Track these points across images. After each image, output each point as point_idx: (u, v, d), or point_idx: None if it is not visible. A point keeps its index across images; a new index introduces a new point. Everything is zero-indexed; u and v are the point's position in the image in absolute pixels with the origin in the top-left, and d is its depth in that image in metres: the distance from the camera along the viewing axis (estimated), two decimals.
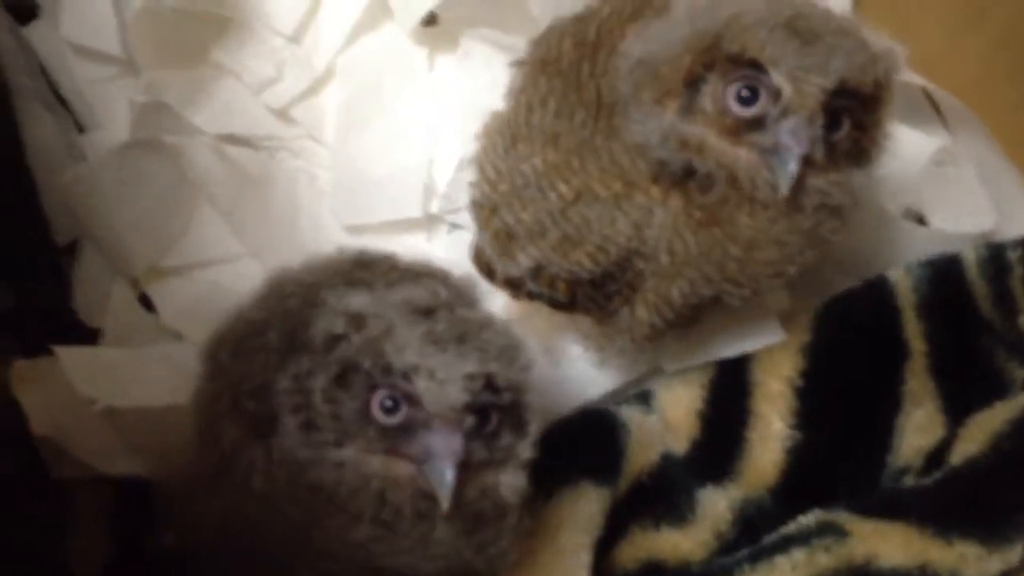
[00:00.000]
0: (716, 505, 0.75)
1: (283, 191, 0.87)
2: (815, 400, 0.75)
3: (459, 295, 0.62)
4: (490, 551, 0.60)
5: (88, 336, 0.81)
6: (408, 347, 0.56)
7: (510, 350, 0.58)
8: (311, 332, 0.58)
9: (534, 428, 0.60)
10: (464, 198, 0.82)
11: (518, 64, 0.72)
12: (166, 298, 0.83)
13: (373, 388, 0.56)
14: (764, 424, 0.75)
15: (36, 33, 0.88)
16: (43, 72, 0.88)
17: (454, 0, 0.86)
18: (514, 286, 0.72)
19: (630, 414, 0.76)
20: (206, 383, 0.62)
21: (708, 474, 0.76)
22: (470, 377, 0.55)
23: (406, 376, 0.55)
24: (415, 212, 0.85)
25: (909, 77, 0.89)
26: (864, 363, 0.76)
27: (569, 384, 0.81)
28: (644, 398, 0.78)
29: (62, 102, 0.89)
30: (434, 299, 0.59)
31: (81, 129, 0.89)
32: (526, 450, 0.59)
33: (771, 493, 0.75)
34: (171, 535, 0.72)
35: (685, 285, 0.66)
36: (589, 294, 0.69)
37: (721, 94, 0.62)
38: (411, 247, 0.85)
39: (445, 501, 0.55)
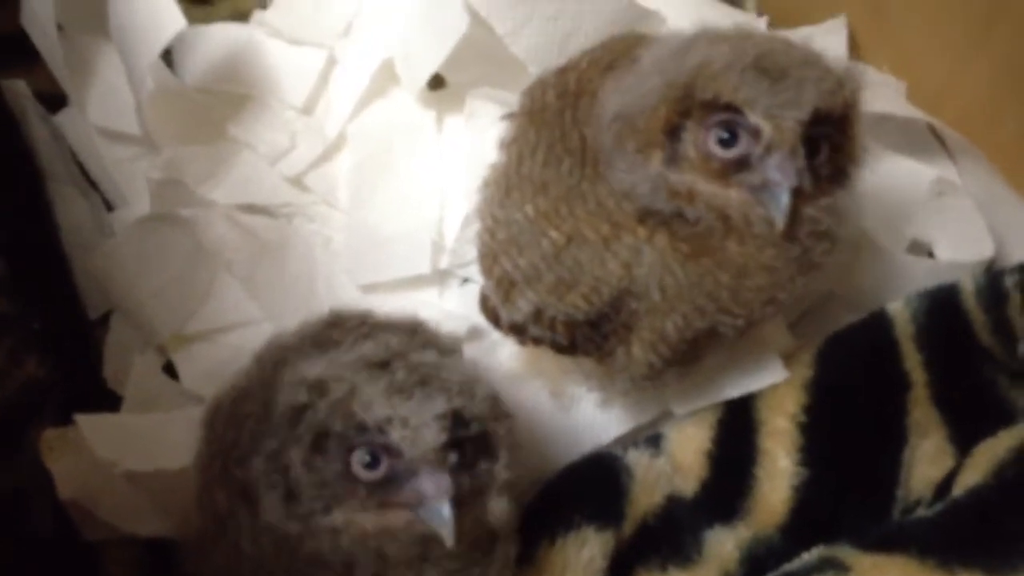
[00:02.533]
0: (723, 545, 0.75)
1: (299, 255, 0.90)
2: (820, 436, 0.75)
3: (424, 342, 0.64)
4: None
5: (118, 404, 0.84)
6: (375, 401, 0.57)
7: (470, 384, 0.60)
8: (275, 406, 0.60)
9: (504, 451, 0.61)
10: (472, 252, 0.85)
11: (509, 116, 0.75)
12: (190, 364, 0.86)
13: (350, 448, 0.58)
14: (771, 462, 0.76)
15: (65, 120, 0.94)
16: (73, 156, 0.93)
17: (456, 62, 0.89)
18: (519, 331, 0.74)
19: (636, 458, 0.77)
20: (202, 448, 0.65)
21: (717, 514, 0.76)
22: (442, 416, 0.57)
23: (380, 429, 0.57)
24: (424, 268, 0.88)
25: (910, 111, 0.90)
26: (866, 396, 0.76)
27: (580, 430, 0.82)
28: (654, 441, 0.78)
29: (92, 183, 0.94)
30: (387, 351, 0.61)
31: (110, 208, 0.93)
32: (503, 472, 0.61)
33: (780, 531, 0.75)
34: None
35: (679, 319, 0.67)
36: (587, 335, 0.70)
37: (702, 139, 0.63)
38: (423, 303, 0.88)
39: (449, 538, 0.57)
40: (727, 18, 0.97)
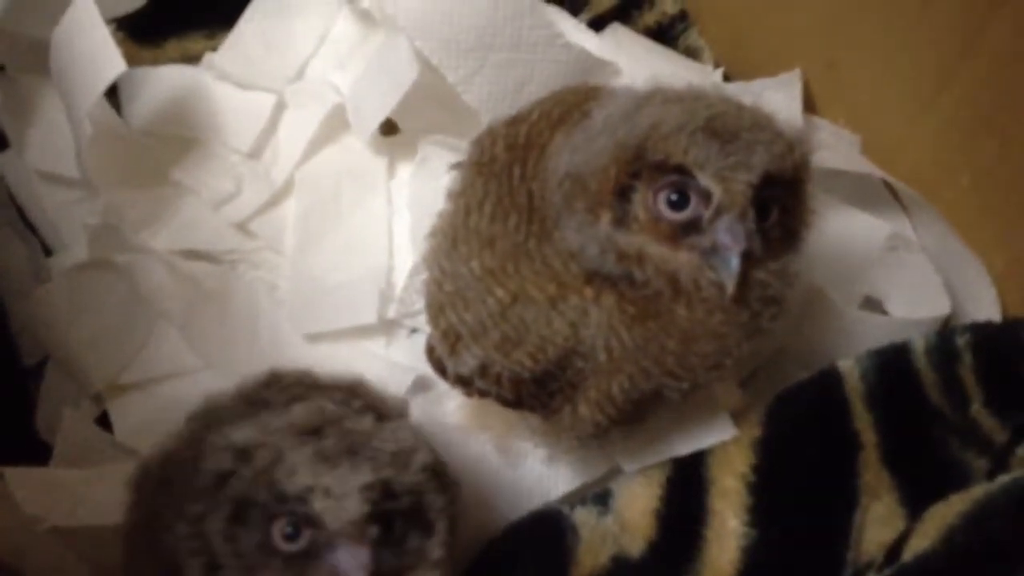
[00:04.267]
0: None
1: (242, 303, 0.88)
2: (768, 496, 0.73)
3: (363, 406, 0.62)
4: None
5: (50, 455, 0.81)
6: (299, 470, 0.55)
7: (404, 454, 0.58)
8: (201, 470, 0.57)
9: (442, 526, 0.59)
10: (420, 302, 0.83)
11: (457, 166, 0.74)
12: (125, 414, 0.84)
13: (272, 518, 0.56)
14: (720, 522, 0.74)
15: (5, 162, 0.92)
16: (12, 199, 0.91)
17: (408, 108, 0.88)
18: (465, 384, 0.72)
19: (583, 517, 0.75)
20: (130, 514, 0.62)
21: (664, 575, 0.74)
22: (366, 487, 0.55)
23: (303, 499, 0.55)
24: (371, 318, 0.86)
25: (864, 165, 0.89)
26: (815, 456, 0.74)
27: (527, 485, 0.80)
28: (602, 498, 0.76)
29: (31, 227, 0.92)
30: (319, 416, 0.59)
31: (49, 252, 0.91)
32: (436, 549, 0.59)
33: None
34: None
35: (624, 381, 0.65)
36: (533, 392, 0.69)
37: (652, 201, 0.63)
38: (370, 353, 0.86)
39: None
40: (682, 70, 0.97)
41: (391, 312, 0.87)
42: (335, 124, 0.92)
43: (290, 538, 0.56)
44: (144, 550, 0.60)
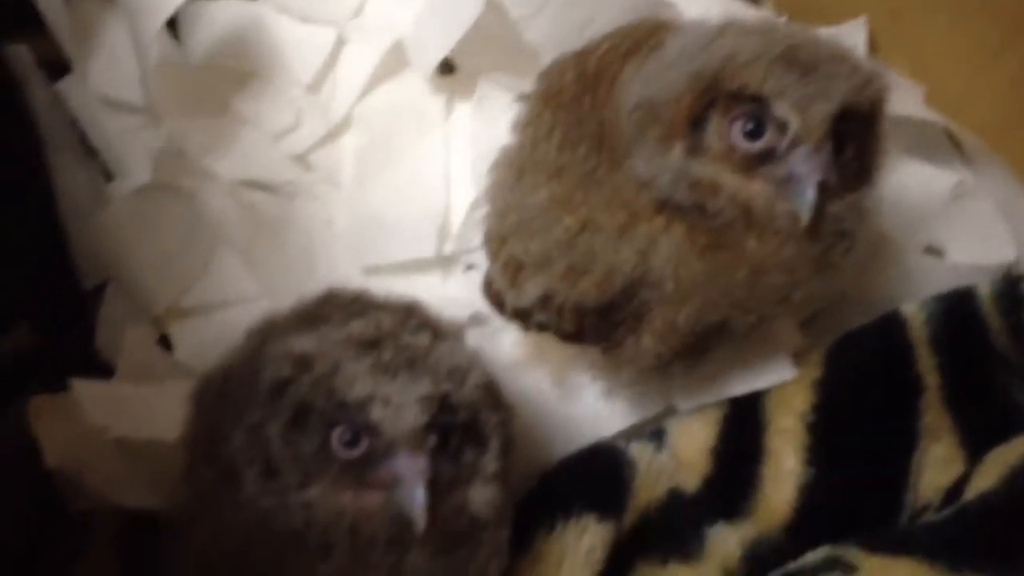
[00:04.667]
0: (726, 542, 0.73)
1: (300, 234, 0.89)
2: (828, 436, 0.73)
3: (419, 324, 0.62)
4: (468, 569, 0.61)
5: (110, 376, 0.82)
6: (358, 379, 0.56)
7: (460, 370, 0.59)
8: (260, 379, 0.58)
9: (495, 442, 0.60)
10: (477, 238, 0.84)
11: (524, 98, 0.73)
12: (184, 337, 0.85)
13: (331, 425, 0.57)
14: (777, 461, 0.73)
15: (68, 87, 0.91)
16: (74, 125, 0.91)
17: (468, 47, 0.88)
18: (523, 317, 0.73)
19: (639, 451, 0.75)
20: (190, 425, 0.64)
21: (720, 511, 0.74)
22: (425, 399, 0.56)
23: (361, 408, 0.56)
24: (429, 252, 0.86)
25: (928, 114, 0.88)
26: (877, 398, 0.74)
27: (582, 421, 0.80)
28: (658, 435, 0.76)
29: (92, 152, 0.92)
30: (377, 330, 0.59)
31: (110, 178, 0.91)
32: (491, 463, 0.60)
33: (786, 532, 0.73)
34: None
35: (691, 311, 0.65)
36: (595, 323, 0.69)
37: (727, 131, 0.62)
38: (426, 288, 0.86)
39: (420, 521, 0.56)
40: (745, 14, 0.96)
41: (448, 248, 0.88)
42: (394, 60, 0.92)
43: (349, 445, 0.57)
44: (203, 461, 0.61)
